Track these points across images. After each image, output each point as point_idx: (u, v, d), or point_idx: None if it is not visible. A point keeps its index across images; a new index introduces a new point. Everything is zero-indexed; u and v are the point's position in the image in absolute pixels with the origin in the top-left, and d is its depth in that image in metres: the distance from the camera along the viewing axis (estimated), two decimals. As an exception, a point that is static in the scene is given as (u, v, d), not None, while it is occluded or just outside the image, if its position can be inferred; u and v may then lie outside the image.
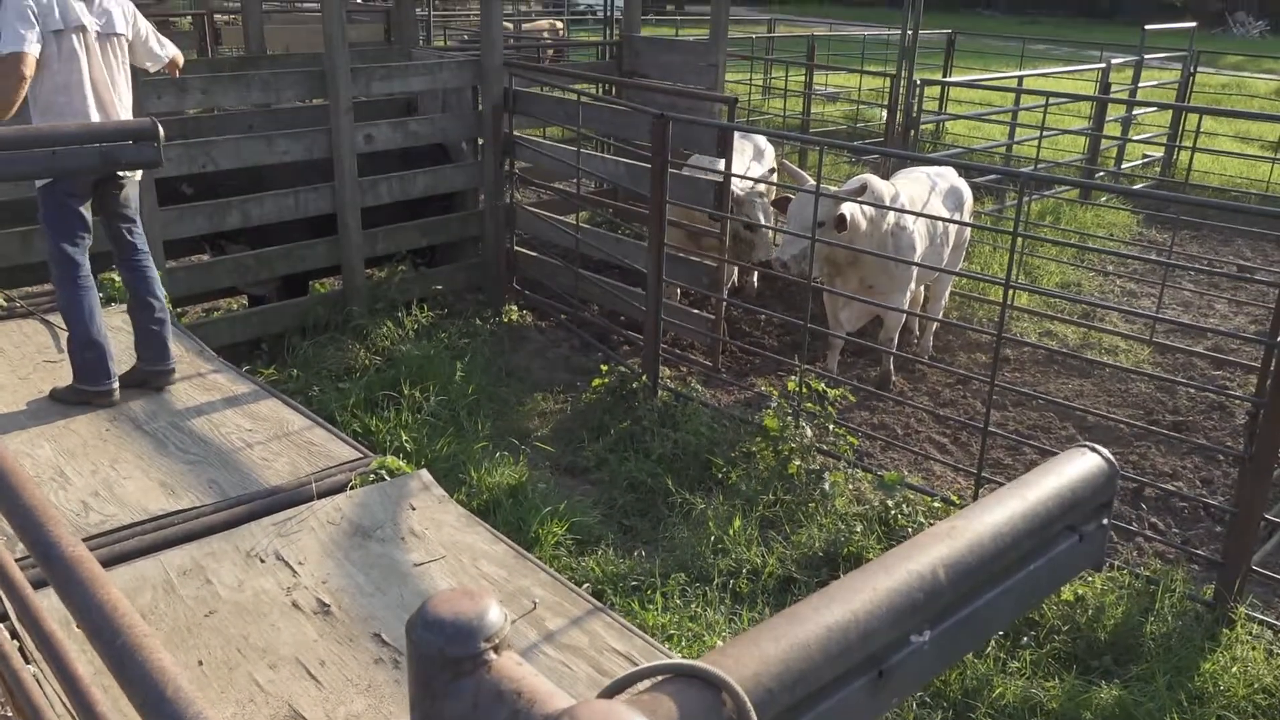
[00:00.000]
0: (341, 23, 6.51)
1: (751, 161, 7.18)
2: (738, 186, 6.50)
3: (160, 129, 3.26)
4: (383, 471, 3.58)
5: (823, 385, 5.31)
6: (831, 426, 5.17)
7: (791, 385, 5.33)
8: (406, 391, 5.70)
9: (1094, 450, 1.13)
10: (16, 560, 2.17)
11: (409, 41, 8.59)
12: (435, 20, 14.37)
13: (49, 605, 1.95)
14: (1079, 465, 1.11)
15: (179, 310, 6.33)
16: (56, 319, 4.99)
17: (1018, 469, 5.56)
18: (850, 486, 4.89)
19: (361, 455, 3.75)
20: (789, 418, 5.12)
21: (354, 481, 3.51)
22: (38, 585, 2.07)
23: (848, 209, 5.60)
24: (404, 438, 5.14)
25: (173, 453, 3.78)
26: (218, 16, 11.55)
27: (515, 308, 7.38)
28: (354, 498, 3.41)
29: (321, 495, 3.39)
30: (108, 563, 2.91)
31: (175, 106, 6.22)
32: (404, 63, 7.50)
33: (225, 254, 6.75)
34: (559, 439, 5.67)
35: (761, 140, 7.65)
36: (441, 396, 5.75)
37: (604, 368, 6.03)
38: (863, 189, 5.62)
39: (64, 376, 4.33)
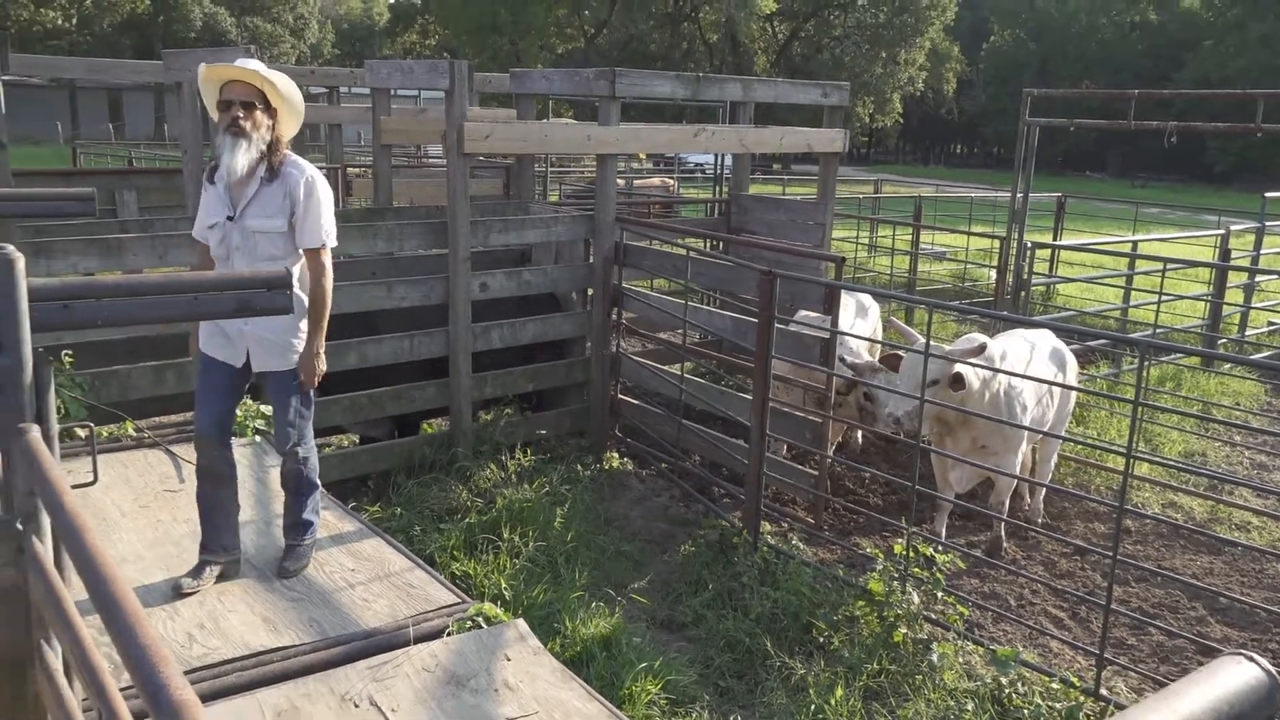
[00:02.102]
0: (464, 178, 6.86)
1: (855, 318, 7.18)
2: (857, 354, 6.50)
3: (292, 277, 3.46)
4: (480, 618, 3.55)
5: (931, 549, 5.12)
6: (940, 594, 4.96)
7: (898, 548, 5.16)
8: (506, 536, 5.70)
9: (1251, 660, 1.03)
10: (121, 690, 2.19)
11: (526, 195, 8.98)
12: (551, 176, 15.06)
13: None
14: (1235, 677, 1.01)
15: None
16: (180, 449, 5.20)
17: (1142, 650, 5.21)
18: (960, 659, 4.64)
19: (459, 600, 3.73)
20: (895, 582, 4.93)
21: (451, 628, 3.48)
22: (139, 717, 2.08)
23: (964, 368, 5.52)
24: (502, 584, 5.10)
25: (277, 589, 3.82)
26: (350, 169, 12.32)
27: (617, 455, 7.39)
28: (450, 645, 3.37)
29: (418, 640, 3.37)
30: (207, 697, 2.92)
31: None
32: (521, 216, 7.83)
33: (333, 392, 6.98)
34: (656, 591, 5.57)
35: (866, 298, 7.67)
36: (540, 542, 5.73)
37: (704, 520, 5.94)
38: (981, 349, 5.54)
39: (183, 505, 4.47)
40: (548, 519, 5.98)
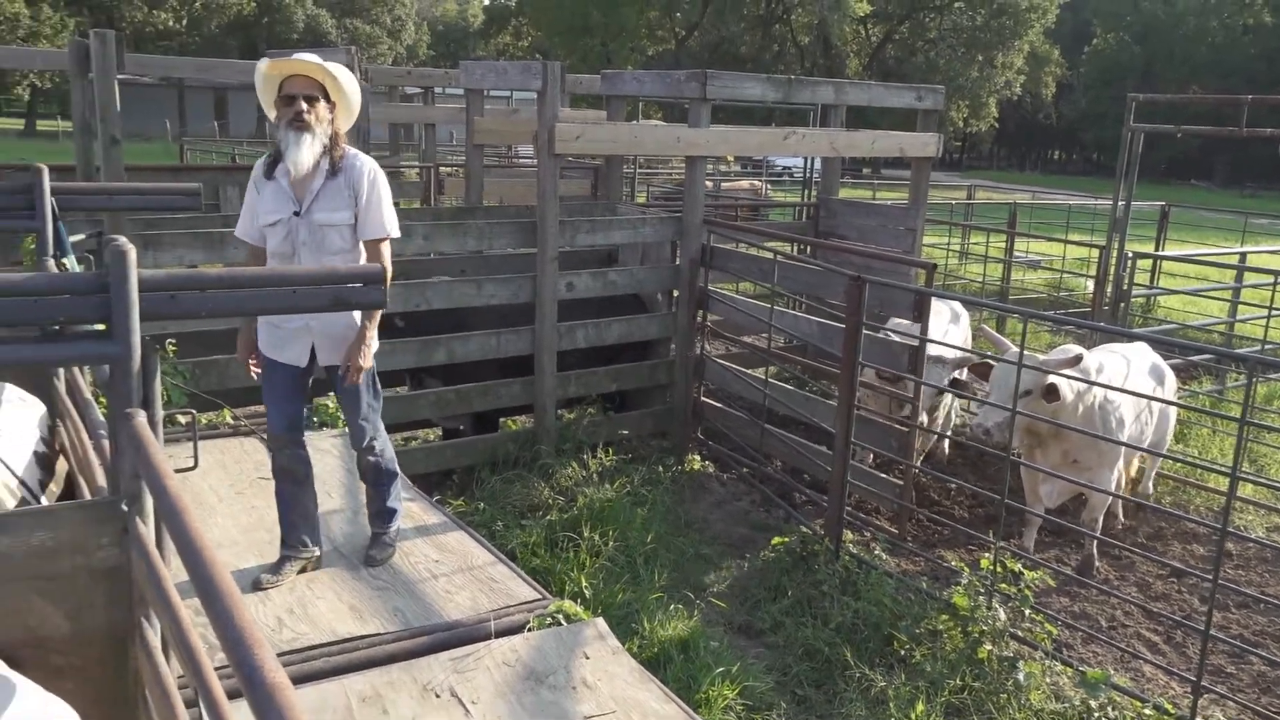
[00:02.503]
0: (554, 178, 6.92)
1: (949, 325, 7.04)
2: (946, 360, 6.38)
3: (387, 274, 3.55)
4: (560, 615, 3.58)
5: (1019, 565, 4.99)
6: (1028, 611, 4.82)
7: (985, 562, 5.04)
8: (586, 534, 5.74)
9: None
10: (216, 669, 2.26)
11: (614, 196, 9.02)
12: (639, 177, 15.11)
13: (240, 718, 2.01)
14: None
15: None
16: (274, 439, 5.35)
17: (1241, 680, 5.00)
18: (1047, 680, 4.51)
19: (540, 597, 3.77)
20: (981, 597, 4.82)
21: (531, 623, 3.51)
22: (232, 695, 2.15)
23: (1058, 379, 5.37)
24: (583, 582, 5.13)
25: (364, 577, 3.91)
26: (442, 168, 12.53)
27: (698, 457, 7.38)
28: (530, 640, 3.40)
29: (499, 634, 3.41)
30: (295, 680, 2.99)
31: (399, 250, 6.69)
32: (609, 217, 7.86)
33: (423, 386, 7.10)
34: (734, 596, 5.54)
35: (958, 305, 7.52)
36: (620, 542, 5.75)
37: (785, 526, 5.89)
38: (1077, 360, 5.39)
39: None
40: (628, 519, 5.99)
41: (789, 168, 31.04)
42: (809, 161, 12.67)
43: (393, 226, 3.87)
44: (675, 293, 7.88)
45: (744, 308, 7.41)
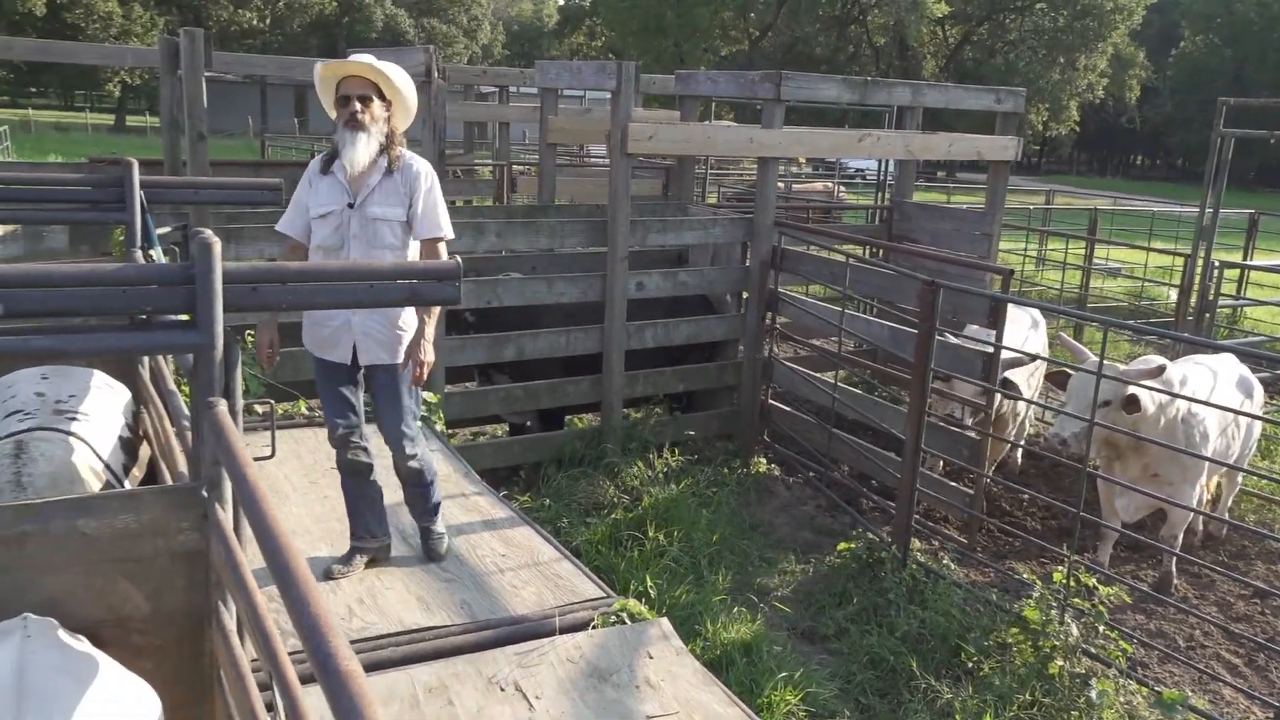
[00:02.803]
0: (626, 178, 6.93)
1: (1028, 332, 6.89)
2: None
3: (461, 270, 3.58)
4: (624, 614, 3.58)
5: (1094, 580, 4.86)
6: (1102, 628, 4.69)
7: (1057, 576, 4.92)
8: (651, 534, 5.74)
9: None
10: (289, 654, 2.31)
11: (685, 197, 9.01)
12: (710, 178, 15.07)
13: (312, 703, 2.05)
14: None
15: (450, 432, 6.74)
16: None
17: (1328, 706, 4.80)
18: (1121, 699, 4.38)
19: (605, 595, 3.78)
20: (1053, 611, 4.71)
21: (596, 621, 3.52)
22: (304, 680, 2.19)
23: (1140, 390, 5.23)
24: (648, 582, 5.13)
25: (432, 569, 3.96)
26: (515, 167, 12.65)
27: (764, 460, 7.33)
28: (594, 638, 3.41)
29: (563, 630, 3.42)
30: (365, 668, 3.04)
31: (471, 246, 6.77)
32: (680, 217, 7.86)
33: (491, 382, 7.17)
34: (799, 601, 5.49)
35: (1037, 313, 7.36)
36: (684, 542, 5.74)
37: (852, 532, 5.82)
38: (1160, 370, 5.24)
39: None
40: (693, 520, 5.98)
41: (862, 170, 30.71)
42: (883, 164, 12.52)
43: (449, 227, 3.90)
44: (744, 294, 7.85)
45: (814, 310, 7.34)
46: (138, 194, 4.02)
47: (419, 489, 4.08)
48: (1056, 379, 5.84)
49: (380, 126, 3.74)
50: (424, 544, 4.14)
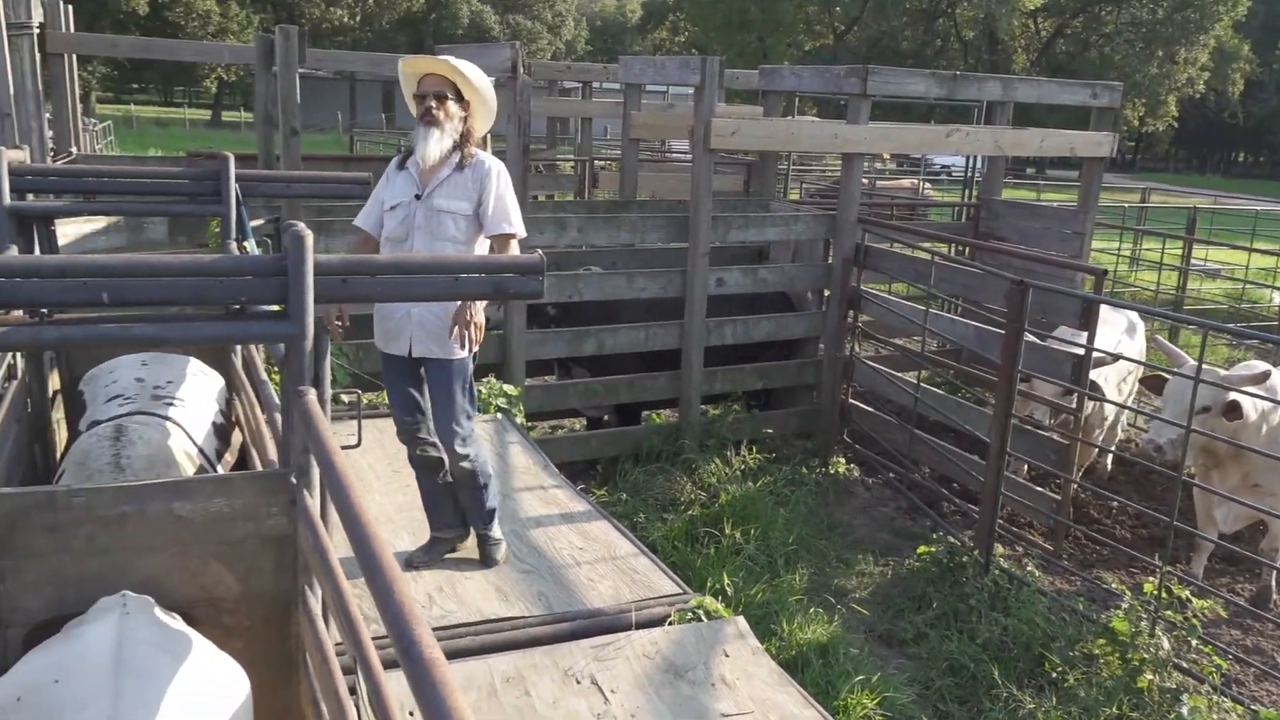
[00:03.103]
0: (709, 173, 6.91)
1: (1123, 335, 6.67)
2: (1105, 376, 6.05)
3: (545, 264, 3.60)
4: (700, 611, 3.57)
5: (1187, 592, 4.70)
6: (1194, 642, 4.54)
7: (1148, 587, 4.77)
8: (727, 531, 5.71)
9: None
10: (373, 639, 2.36)
11: (767, 192, 8.95)
12: (792, 174, 14.93)
13: (393, 688, 2.09)
14: None
15: (529, 425, 6.81)
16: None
17: None
18: (1214, 716, 4.23)
19: (681, 591, 3.77)
20: (1143, 623, 4.56)
21: (672, 617, 3.52)
22: (387, 665, 2.23)
23: (1241, 397, 5.03)
24: (724, 580, 5.11)
25: (510, 559, 4.00)
26: (597, 162, 12.71)
27: (843, 460, 7.25)
28: (670, 634, 3.41)
29: (640, 625, 3.43)
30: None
31: (553, 241, 6.82)
32: (761, 214, 7.80)
33: (571, 376, 7.22)
34: (877, 604, 5.42)
35: (1134, 315, 7.13)
36: (761, 541, 5.71)
37: (932, 535, 5.72)
38: (1264, 376, 5.04)
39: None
40: (770, 518, 5.94)
41: (948, 166, 30.15)
42: (970, 160, 12.26)
43: (520, 225, 3.85)
44: (825, 292, 7.76)
45: (897, 309, 7.23)
46: (233, 187, 4.14)
47: (471, 491, 3.96)
48: (1152, 384, 5.66)
49: (454, 124, 3.76)
50: (480, 550, 4.03)
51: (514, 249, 3.85)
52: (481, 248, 3.87)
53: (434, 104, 3.73)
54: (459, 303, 3.70)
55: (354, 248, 4.12)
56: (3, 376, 3.60)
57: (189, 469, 3.14)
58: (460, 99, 3.79)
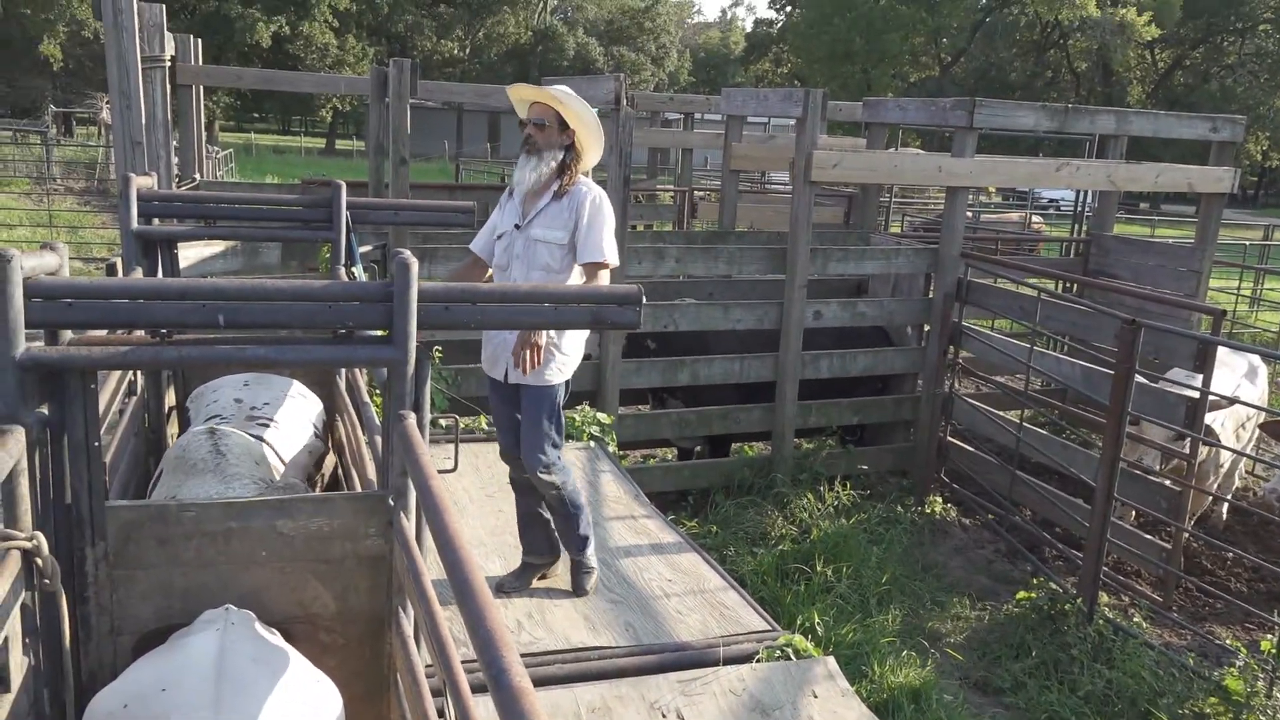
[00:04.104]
0: (809, 206, 6.87)
1: (1242, 379, 6.38)
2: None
3: (642, 295, 3.63)
4: (789, 649, 3.52)
5: (1308, 653, 4.45)
6: (1317, 706, 4.28)
7: (1266, 645, 4.53)
8: (819, 568, 5.63)
9: None
10: (462, 663, 2.40)
11: (868, 225, 8.85)
12: (894, 206, 14.75)
13: (481, 713, 2.11)
14: None
15: (621, 453, 6.83)
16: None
17: None
18: (1338, 787, 3.98)
19: (770, 628, 3.72)
20: (1259, 683, 4.33)
21: (760, 654, 3.47)
22: (475, 690, 2.26)
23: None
24: (815, 618, 5.03)
25: (599, 588, 4.00)
26: (696, 193, 12.76)
27: (940, 499, 7.08)
28: (758, 671, 3.37)
29: (727, 661, 3.39)
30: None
31: (651, 270, 6.85)
32: (861, 246, 7.72)
33: (664, 406, 7.22)
34: (972, 649, 5.26)
35: (1256, 359, 6.82)
36: (853, 579, 5.61)
37: (1033, 581, 5.53)
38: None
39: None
40: (863, 556, 5.83)
41: (1056, 200, 29.37)
42: (1080, 194, 11.94)
43: (612, 254, 3.84)
44: (925, 327, 7.62)
45: (1000, 346, 7.05)
46: (344, 214, 4.28)
47: (563, 517, 3.96)
48: (1273, 429, 5.39)
49: (555, 153, 3.80)
50: (572, 577, 4.02)
51: (603, 278, 3.85)
52: (577, 276, 3.89)
53: (532, 131, 3.79)
54: (559, 350, 3.79)
55: (457, 271, 4.20)
56: (124, 393, 3.77)
57: (275, 477, 3.24)
58: (563, 127, 3.84)
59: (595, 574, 4.05)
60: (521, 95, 3.89)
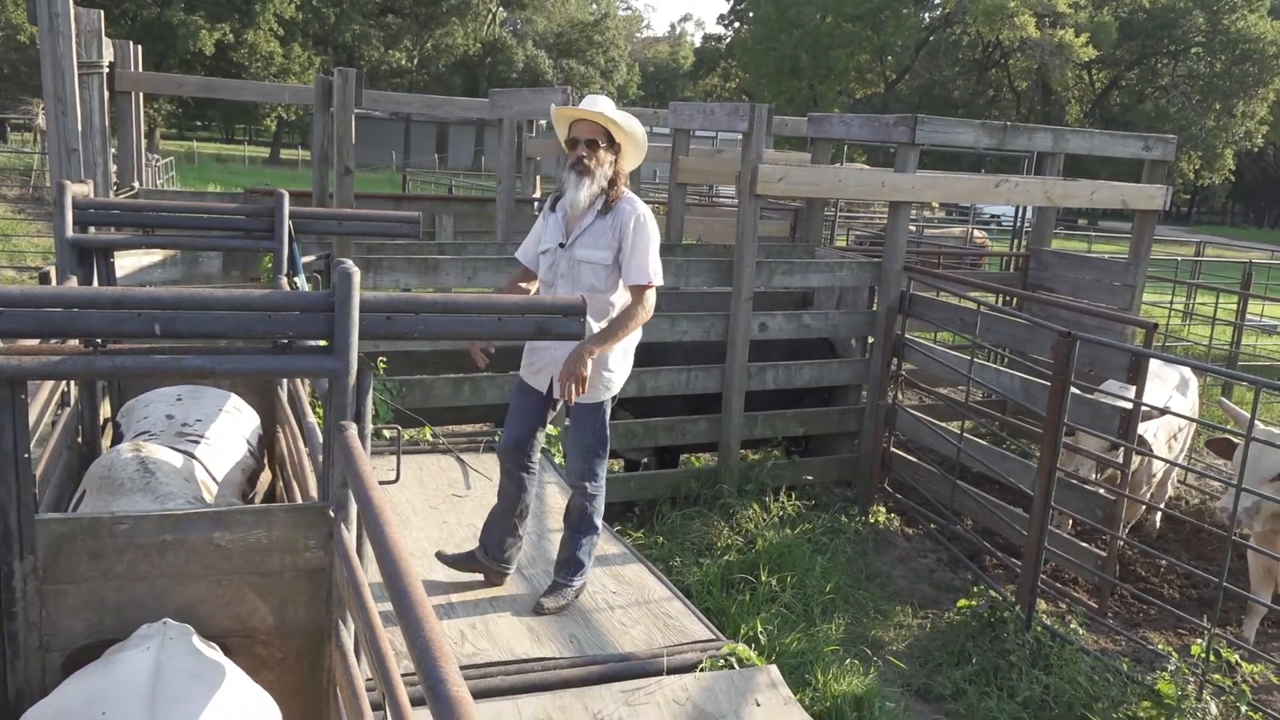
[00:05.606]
0: (754, 219, 6.94)
1: (1174, 391, 6.56)
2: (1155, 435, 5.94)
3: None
4: (732, 658, 3.54)
5: (1236, 655, 4.57)
6: (1244, 708, 4.41)
7: (1196, 649, 4.65)
8: (764, 578, 5.66)
9: None
10: (402, 675, 2.38)
11: (813, 239, 8.95)
12: (840, 220, 14.93)
13: (420, 727, 2.10)
14: None
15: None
16: (471, 459, 5.58)
17: None
18: (1264, 787, 4.10)
19: (714, 638, 3.74)
20: (1190, 686, 4.44)
21: (704, 663, 3.49)
22: (415, 702, 2.24)
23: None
24: (759, 627, 5.06)
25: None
26: (645, 205, 12.79)
27: (883, 509, 7.17)
28: (701, 680, 3.38)
29: (671, 671, 3.40)
30: (473, 695, 3.08)
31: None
32: (806, 259, 7.81)
33: (613, 417, 7.21)
34: (914, 657, 5.33)
35: (1188, 371, 7.01)
36: (797, 589, 5.65)
37: (973, 589, 5.62)
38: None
39: (467, 510, 4.79)
40: (807, 566, 5.88)
41: (997, 216, 29.97)
42: (1019, 210, 12.19)
43: (657, 274, 3.84)
44: (869, 339, 7.72)
45: (942, 358, 7.17)
46: (286, 224, 4.24)
47: (573, 530, 3.98)
48: (1219, 447, 5.53)
49: (605, 170, 3.81)
50: (543, 594, 3.97)
51: (649, 298, 3.86)
52: (623, 293, 3.89)
53: (585, 152, 3.78)
54: (607, 371, 3.87)
55: (508, 284, 4.21)
56: (56, 404, 3.69)
57: (206, 496, 3.17)
58: (611, 144, 3.84)
59: (567, 604, 3.95)
60: (575, 114, 3.87)
